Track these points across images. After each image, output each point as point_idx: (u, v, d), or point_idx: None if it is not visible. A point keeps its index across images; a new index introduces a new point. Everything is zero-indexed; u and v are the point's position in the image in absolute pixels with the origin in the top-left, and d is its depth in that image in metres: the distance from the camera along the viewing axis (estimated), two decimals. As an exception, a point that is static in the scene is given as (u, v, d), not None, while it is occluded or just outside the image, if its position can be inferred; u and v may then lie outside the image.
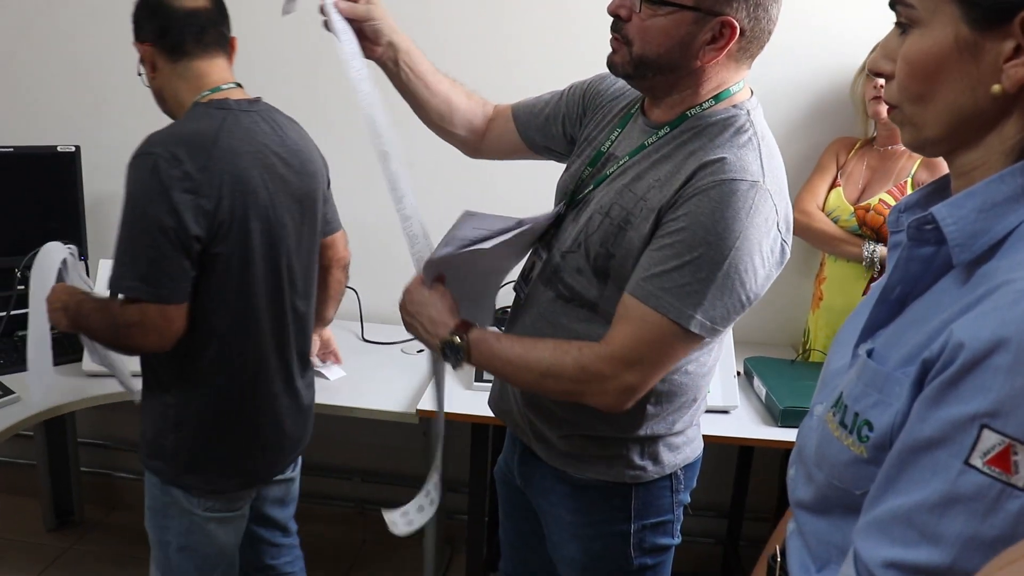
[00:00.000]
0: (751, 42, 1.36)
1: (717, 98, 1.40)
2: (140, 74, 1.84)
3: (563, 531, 1.61)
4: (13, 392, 2.20)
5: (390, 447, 3.19)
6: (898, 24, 0.84)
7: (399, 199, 1.50)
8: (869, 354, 0.85)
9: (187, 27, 1.75)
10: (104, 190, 3.03)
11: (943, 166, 0.88)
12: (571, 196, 1.54)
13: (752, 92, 1.45)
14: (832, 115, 2.79)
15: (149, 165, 1.62)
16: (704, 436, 1.58)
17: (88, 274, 2.81)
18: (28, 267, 2.68)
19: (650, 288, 1.33)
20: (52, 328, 1.92)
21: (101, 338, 1.77)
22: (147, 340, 1.67)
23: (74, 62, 3.00)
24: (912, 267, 0.85)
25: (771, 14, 1.34)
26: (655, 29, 1.34)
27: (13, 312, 2.51)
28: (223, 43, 1.81)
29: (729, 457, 2.95)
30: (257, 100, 1.83)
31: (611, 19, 1.40)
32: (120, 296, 1.69)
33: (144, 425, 1.84)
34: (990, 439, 0.68)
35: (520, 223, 1.49)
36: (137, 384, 1.91)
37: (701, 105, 1.40)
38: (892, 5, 0.84)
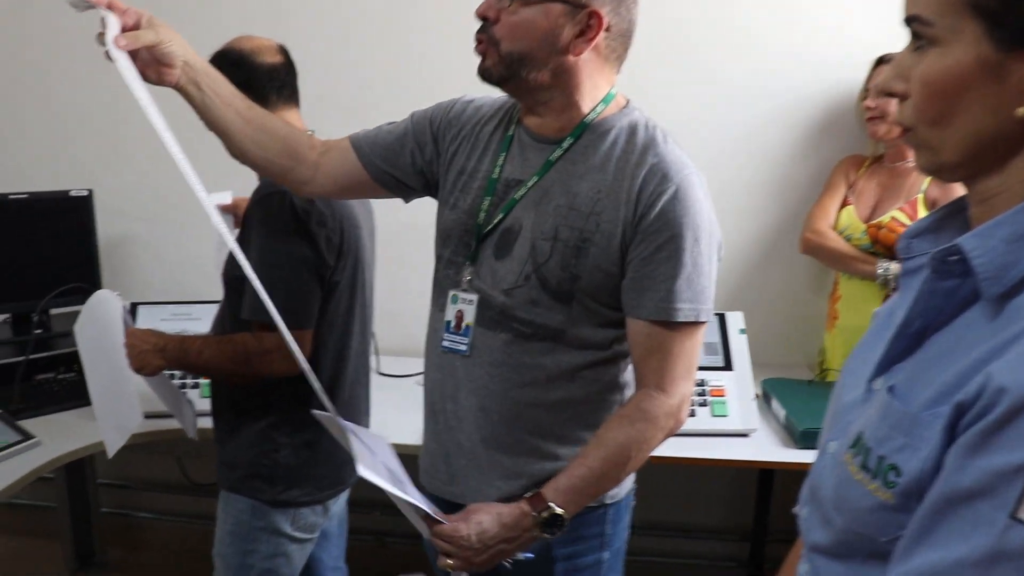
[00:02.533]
0: (616, 39, 1.40)
1: (605, 102, 1.44)
2: None
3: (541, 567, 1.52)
4: (34, 436, 2.20)
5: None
6: (914, 42, 0.79)
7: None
8: (890, 391, 0.81)
9: (270, 82, 1.89)
10: (117, 232, 3.07)
11: (954, 184, 0.85)
12: (478, 231, 1.49)
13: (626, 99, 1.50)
14: (841, 132, 2.79)
15: (285, 202, 1.78)
16: (724, 460, 1.56)
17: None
18: (45, 311, 2.72)
19: (669, 306, 1.38)
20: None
21: (222, 369, 1.88)
22: (283, 365, 1.77)
23: (85, 107, 3.04)
24: (934, 300, 0.81)
25: (632, 14, 1.40)
26: (524, 23, 1.36)
27: (32, 356, 2.53)
28: (296, 96, 1.97)
29: (749, 480, 2.93)
30: None
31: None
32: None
33: (234, 452, 1.96)
34: None
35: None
36: (197, 422, 2.12)
37: (595, 110, 1.43)
38: (908, 21, 0.79)
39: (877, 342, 0.88)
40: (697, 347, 1.44)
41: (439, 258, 1.57)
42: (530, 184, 1.45)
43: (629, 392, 1.50)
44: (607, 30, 1.36)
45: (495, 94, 1.55)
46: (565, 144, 1.44)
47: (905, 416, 0.76)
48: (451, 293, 1.51)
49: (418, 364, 2.94)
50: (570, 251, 1.40)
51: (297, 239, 1.78)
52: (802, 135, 2.84)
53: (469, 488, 1.51)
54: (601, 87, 1.44)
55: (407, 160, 1.59)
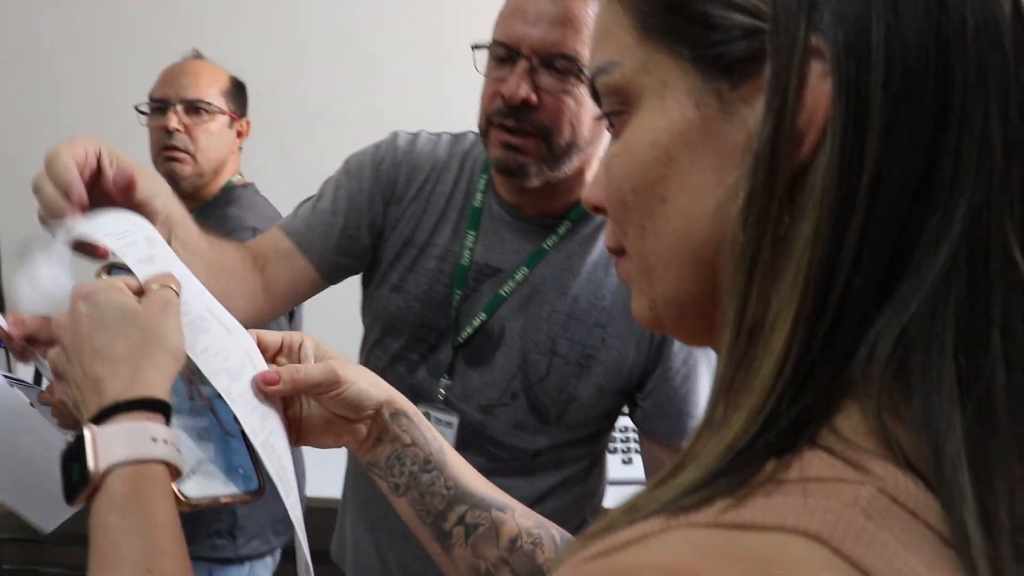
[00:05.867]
0: None
1: None
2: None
3: None
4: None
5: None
6: None
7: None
8: None
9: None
10: None
11: None
12: (453, 336, 1.24)
13: None
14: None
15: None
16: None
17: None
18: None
19: (692, 424, 1.22)
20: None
21: None
22: None
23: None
24: None
25: None
26: (574, 104, 1.13)
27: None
28: None
29: None
30: None
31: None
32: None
33: (186, 515, 1.80)
34: None
35: None
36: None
37: None
38: None
39: None
40: None
41: (379, 345, 1.30)
42: (518, 278, 1.22)
43: (601, 499, 1.38)
44: None
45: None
46: (561, 231, 1.23)
47: None
48: (420, 410, 1.23)
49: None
50: (572, 369, 1.19)
51: None
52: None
53: None
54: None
55: (364, 240, 1.29)
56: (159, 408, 0.63)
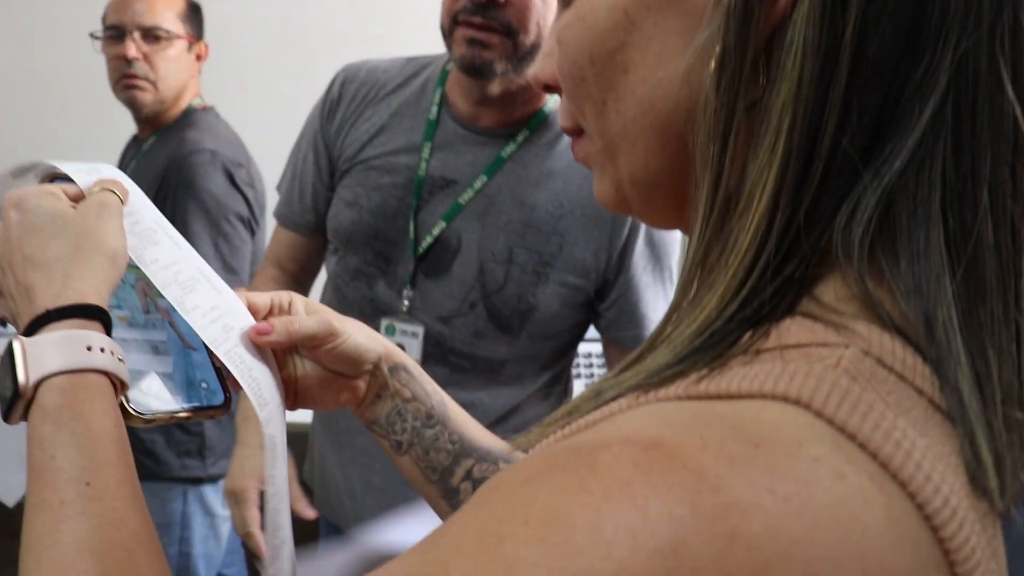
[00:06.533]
0: None
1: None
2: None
3: None
4: None
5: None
6: None
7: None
8: None
9: None
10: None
11: None
12: (414, 248, 1.25)
13: None
14: None
15: (217, 162, 1.78)
16: None
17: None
18: None
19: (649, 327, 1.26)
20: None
21: None
22: None
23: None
24: None
25: None
26: (540, 4, 1.13)
27: None
28: None
29: None
30: None
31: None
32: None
33: (153, 436, 1.79)
34: None
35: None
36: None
37: (555, 96, 1.20)
38: None
39: None
40: None
41: (341, 263, 1.32)
42: (477, 186, 1.22)
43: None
44: None
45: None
46: (520, 139, 1.22)
47: None
48: (384, 323, 1.26)
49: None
50: (529, 278, 1.21)
51: (235, 198, 1.80)
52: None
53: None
54: None
55: (328, 189, 1.34)
56: (95, 315, 0.58)
